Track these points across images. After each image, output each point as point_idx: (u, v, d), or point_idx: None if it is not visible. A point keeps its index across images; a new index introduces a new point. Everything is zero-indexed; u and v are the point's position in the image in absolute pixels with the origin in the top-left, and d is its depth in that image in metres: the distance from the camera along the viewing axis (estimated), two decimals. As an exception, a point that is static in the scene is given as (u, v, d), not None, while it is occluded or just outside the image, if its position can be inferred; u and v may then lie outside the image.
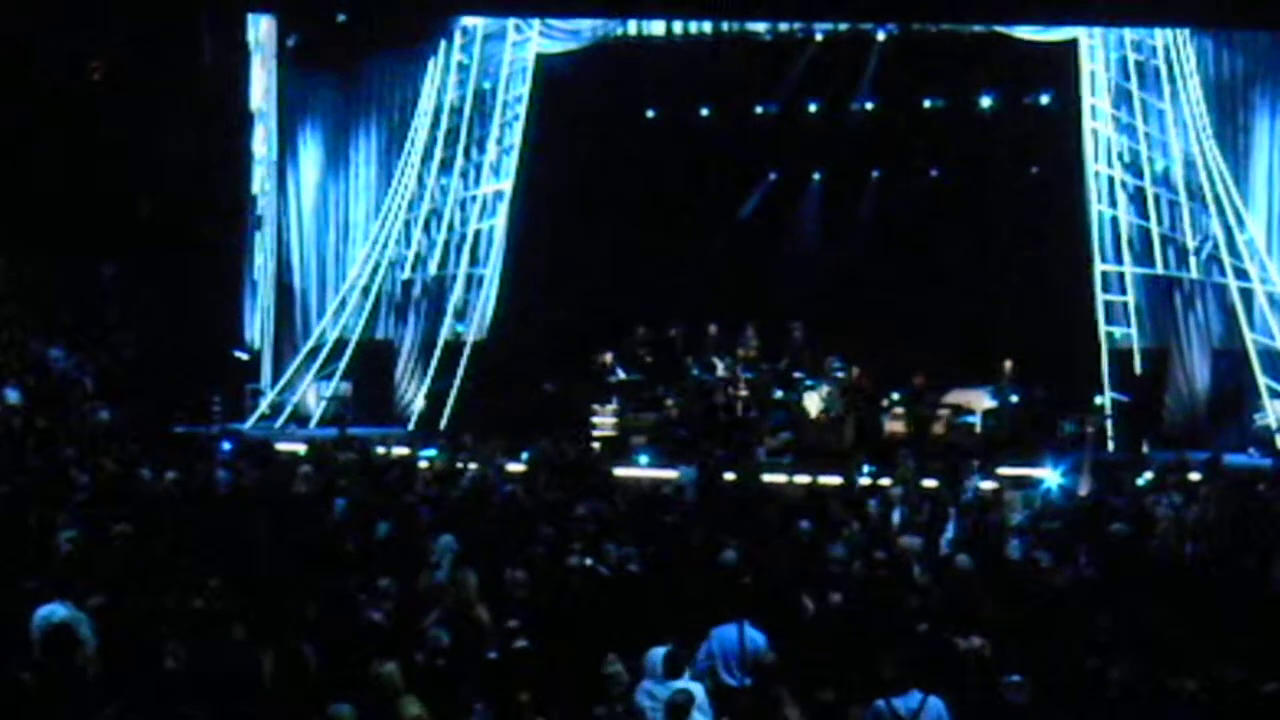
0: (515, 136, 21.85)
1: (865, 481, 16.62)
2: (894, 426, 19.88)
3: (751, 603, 10.57)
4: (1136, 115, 20.47)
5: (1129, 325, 20.54)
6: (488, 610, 10.48)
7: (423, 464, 17.59)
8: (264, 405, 22.41)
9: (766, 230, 22.66)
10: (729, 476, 17.12)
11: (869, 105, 21.89)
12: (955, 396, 20.27)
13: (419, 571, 11.63)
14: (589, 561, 11.92)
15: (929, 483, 16.21)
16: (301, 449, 18.50)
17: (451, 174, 22.08)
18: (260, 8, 22.00)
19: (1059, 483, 16.23)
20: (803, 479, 17.44)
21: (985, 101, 21.49)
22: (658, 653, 9.38)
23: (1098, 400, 20.29)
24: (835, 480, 16.86)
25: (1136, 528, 13.73)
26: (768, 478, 17.54)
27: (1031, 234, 20.85)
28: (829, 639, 10.51)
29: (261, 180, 22.87)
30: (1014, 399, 20.17)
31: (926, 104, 21.72)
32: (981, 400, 20.16)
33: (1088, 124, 20.53)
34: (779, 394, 20.67)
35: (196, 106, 21.46)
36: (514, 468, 17.53)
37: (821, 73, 21.62)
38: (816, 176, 23.03)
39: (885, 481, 16.19)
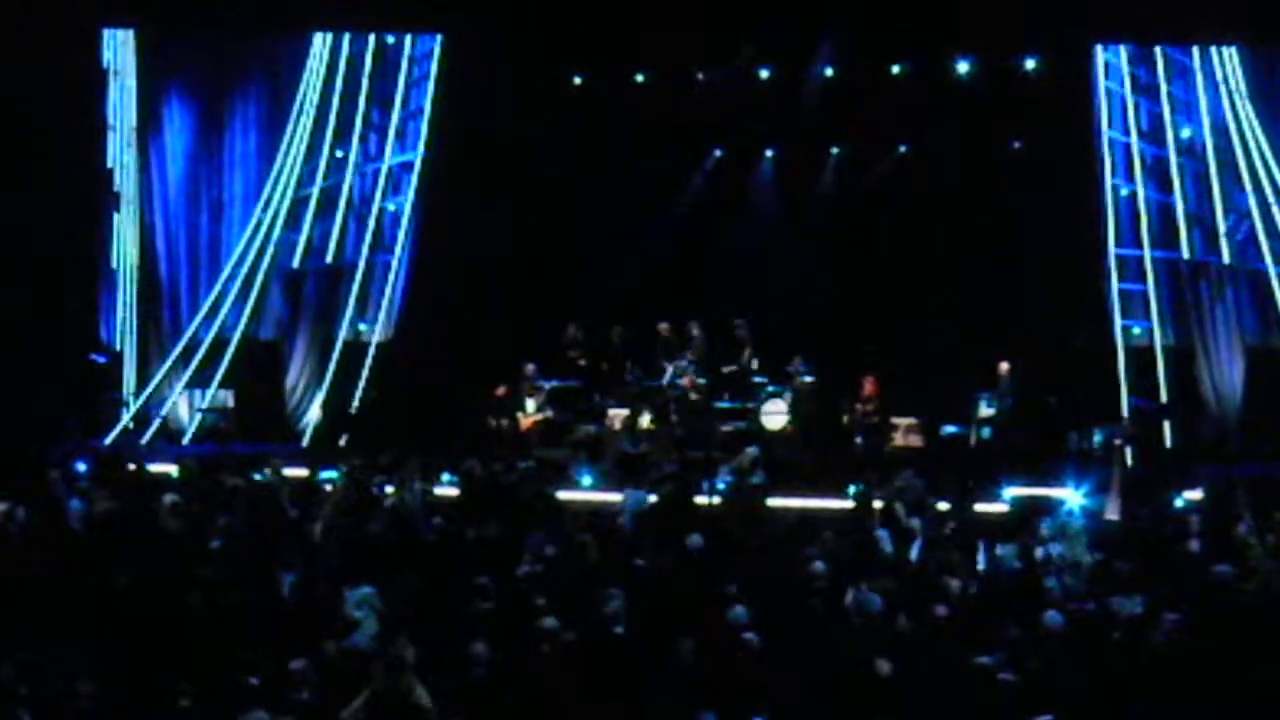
0: (425, 100, 20.53)
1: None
2: (901, 440, 18.64)
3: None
4: (1159, 73, 19.50)
5: (1149, 320, 19.57)
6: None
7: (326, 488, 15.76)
8: (127, 418, 20.80)
9: (712, 215, 21.34)
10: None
11: (828, 71, 20.65)
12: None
13: (329, 638, 9.89)
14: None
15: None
16: (174, 470, 16.81)
17: (350, 144, 20.69)
18: (118, 23, 20.80)
19: (1081, 504, 14.85)
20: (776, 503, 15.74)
21: (962, 66, 20.12)
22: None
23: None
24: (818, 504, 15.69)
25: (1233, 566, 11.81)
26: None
27: (1029, 216, 19.58)
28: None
29: (119, 152, 21.29)
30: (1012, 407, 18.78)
31: (894, 69, 20.38)
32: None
33: (1100, 84, 19.51)
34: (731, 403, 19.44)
35: (40, 67, 19.60)
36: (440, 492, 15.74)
37: (773, 34, 20.23)
38: (769, 153, 21.79)
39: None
